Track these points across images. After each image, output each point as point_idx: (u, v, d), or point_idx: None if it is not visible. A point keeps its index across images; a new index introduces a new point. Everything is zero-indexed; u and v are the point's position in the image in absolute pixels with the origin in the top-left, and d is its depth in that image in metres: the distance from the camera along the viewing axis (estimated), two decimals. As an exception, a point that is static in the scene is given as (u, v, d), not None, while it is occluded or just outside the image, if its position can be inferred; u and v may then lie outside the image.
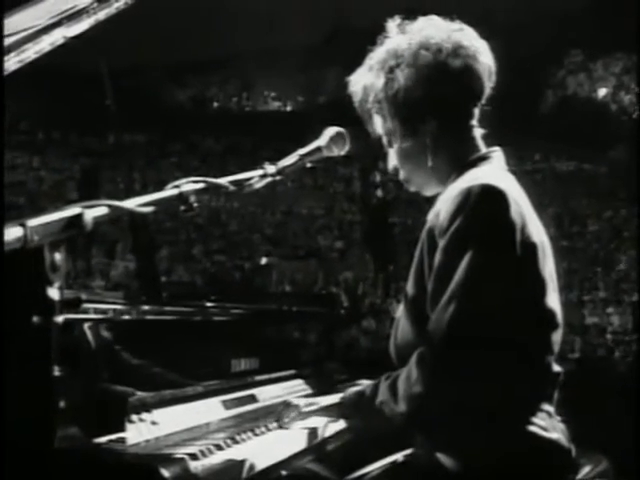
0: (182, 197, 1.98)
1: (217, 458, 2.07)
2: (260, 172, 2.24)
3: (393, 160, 2.42)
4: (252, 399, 2.92)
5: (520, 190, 2.25)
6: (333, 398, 2.44)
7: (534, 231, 2.16)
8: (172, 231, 20.02)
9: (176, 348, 2.55)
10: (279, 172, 2.29)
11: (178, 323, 2.66)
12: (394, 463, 2.30)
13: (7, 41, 2.63)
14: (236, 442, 2.27)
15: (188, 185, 2.00)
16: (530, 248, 2.12)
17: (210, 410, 2.63)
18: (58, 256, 1.80)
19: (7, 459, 1.84)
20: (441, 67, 2.27)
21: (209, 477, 1.95)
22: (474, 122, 2.38)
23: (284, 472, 2.32)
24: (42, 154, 26.26)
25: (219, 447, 2.15)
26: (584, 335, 12.79)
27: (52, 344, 1.89)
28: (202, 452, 2.04)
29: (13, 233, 1.59)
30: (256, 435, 2.41)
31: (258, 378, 3.05)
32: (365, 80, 2.38)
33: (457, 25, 2.35)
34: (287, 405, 2.55)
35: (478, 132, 2.38)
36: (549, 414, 2.17)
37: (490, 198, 2.09)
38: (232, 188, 2.13)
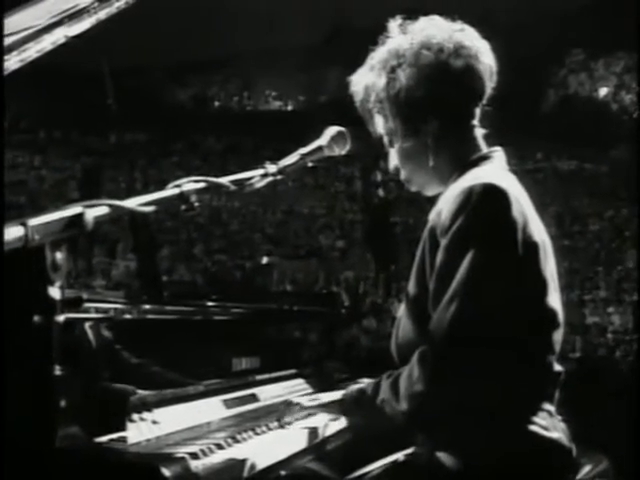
0: (183, 196, 1.98)
1: (218, 457, 2.07)
2: (261, 171, 2.24)
3: (394, 160, 2.42)
4: (253, 398, 2.92)
5: (521, 189, 2.25)
6: (334, 395, 2.44)
7: (535, 230, 2.16)
8: (173, 230, 20.03)
9: (177, 347, 2.56)
10: (280, 171, 2.28)
11: (179, 322, 2.66)
12: (395, 462, 2.30)
13: (8, 40, 2.63)
14: (237, 441, 2.27)
15: (189, 184, 2.00)
16: (531, 247, 2.12)
17: (211, 409, 2.63)
18: (59, 255, 1.80)
19: (8, 458, 1.84)
20: (443, 67, 2.27)
21: (210, 476, 1.96)
22: (475, 122, 2.38)
23: (284, 471, 2.32)
24: (43, 153, 26.30)
25: (220, 446, 2.15)
26: (585, 335, 12.78)
27: (53, 343, 1.89)
28: (203, 451, 2.04)
29: (14, 232, 1.60)
30: (257, 434, 2.41)
31: (259, 377, 3.05)
32: (366, 80, 2.38)
33: (458, 25, 2.36)
34: (288, 404, 2.55)
35: (479, 132, 2.38)
36: (550, 413, 2.17)
37: (492, 197, 2.09)
38: (233, 187, 2.13)
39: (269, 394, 3.02)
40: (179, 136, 29.62)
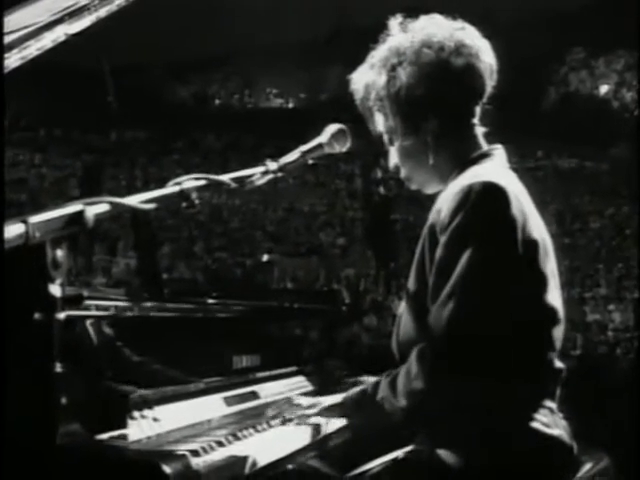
0: (184, 194, 1.98)
1: (219, 455, 2.07)
2: (262, 169, 2.24)
3: (394, 158, 2.42)
4: (253, 396, 2.92)
5: (521, 187, 2.25)
6: (335, 398, 2.44)
7: (535, 228, 2.16)
8: (174, 228, 20.03)
9: (178, 345, 2.56)
10: (280, 169, 2.28)
11: (180, 320, 2.66)
12: (395, 460, 2.30)
13: (9, 38, 2.63)
14: (237, 439, 2.27)
15: (190, 182, 2.00)
16: (531, 245, 2.12)
17: (212, 407, 2.63)
18: (60, 253, 1.80)
19: (8, 455, 1.84)
20: (443, 65, 2.27)
21: (210, 473, 1.96)
22: (475, 120, 2.38)
23: (285, 468, 2.32)
24: (44, 151, 26.28)
25: (220, 444, 2.15)
26: (585, 332, 12.79)
27: (54, 341, 1.89)
28: (204, 448, 2.04)
29: (15, 230, 1.60)
30: (257, 432, 2.41)
31: (259, 375, 3.06)
32: (367, 78, 2.38)
33: (459, 24, 2.36)
34: (290, 403, 2.55)
35: (479, 130, 2.38)
36: (551, 410, 2.18)
37: (491, 195, 2.10)
38: (234, 185, 2.13)
39: (270, 391, 3.02)
40: (180, 134, 29.60)
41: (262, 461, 2.15)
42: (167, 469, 1.83)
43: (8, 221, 1.60)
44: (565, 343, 2.29)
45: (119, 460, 1.94)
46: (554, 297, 2.19)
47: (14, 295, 1.85)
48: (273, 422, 2.51)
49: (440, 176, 2.35)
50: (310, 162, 2.39)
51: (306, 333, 3.58)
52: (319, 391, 3.01)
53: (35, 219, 1.65)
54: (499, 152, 2.36)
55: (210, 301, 2.90)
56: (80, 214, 1.73)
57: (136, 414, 2.22)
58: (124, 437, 2.11)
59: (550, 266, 2.20)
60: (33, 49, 2.70)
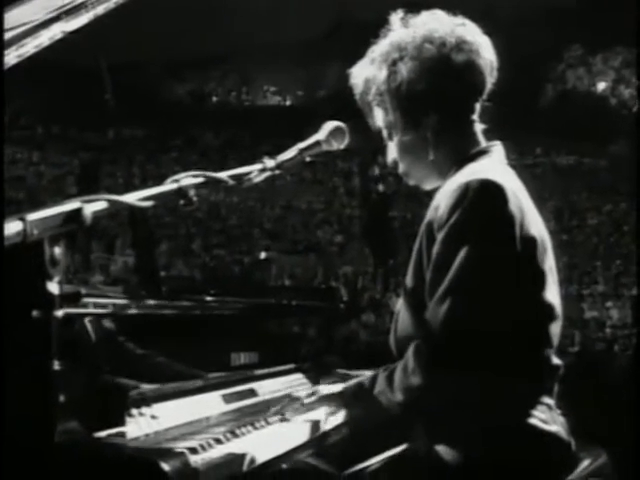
0: (181, 191, 1.98)
1: (217, 452, 2.07)
2: (259, 166, 2.23)
3: (393, 153, 2.42)
4: (252, 393, 2.92)
5: (520, 184, 2.25)
6: (334, 387, 2.45)
7: (533, 225, 2.16)
8: (171, 226, 20.05)
9: (176, 342, 2.55)
10: (278, 166, 2.28)
11: (178, 317, 2.66)
12: (394, 456, 2.30)
13: (6, 36, 2.63)
14: (236, 436, 2.27)
15: (187, 179, 1.99)
16: (529, 242, 2.12)
17: (210, 404, 2.63)
18: (58, 250, 1.80)
19: (7, 453, 1.84)
20: (444, 61, 2.27)
21: (209, 471, 1.95)
22: (475, 117, 2.38)
23: (284, 466, 2.32)
24: (41, 149, 26.28)
25: (219, 441, 2.15)
26: (583, 329, 12.81)
27: (52, 338, 1.89)
28: (202, 446, 2.04)
29: (12, 227, 1.60)
30: (256, 429, 2.41)
31: (258, 372, 3.05)
32: (367, 72, 2.38)
33: (460, 20, 2.36)
34: (291, 399, 2.55)
35: (479, 127, 2.38)
36: (549, 407, 2.18)
37: (488, 192, 2.10)
38: (231, 182, 2.12)
39: (268, 389, 3.02)
40: (177, 131, 29.62)
41: (260, 458, 2.15)
42: (165, 467, 1.83)
43: (6, 219, 1.60)
44: (563, 340, 2.29)
45: (117, 458, 1.93)
46: (552, 294, 2.19)
47: (12, 293, 1.85)
48: (271, 419, 2.51)
49: (439, 172, 2.35)
50: (308, 159, 2.39)
51: (304, 330, 3.58)
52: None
53: (33, 217, 1.65)
54: (497, 149, 2.36)
55: (208, 298, 2.89)
56: (78, 212, 1.73)
57: (134, 412, 2.22)
58: (122, 435, 2.11)
59: (548, 263, 2.20)
60: (30, 47, 2.69)
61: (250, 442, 2.24)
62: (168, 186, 1.98)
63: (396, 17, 2.38)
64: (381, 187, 24.63)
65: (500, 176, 2.15)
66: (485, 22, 2.42)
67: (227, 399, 2.73)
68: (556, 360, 2.24)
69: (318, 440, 2.50)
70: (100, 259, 15.07)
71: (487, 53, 2.33)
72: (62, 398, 1.91)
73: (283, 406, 2.54)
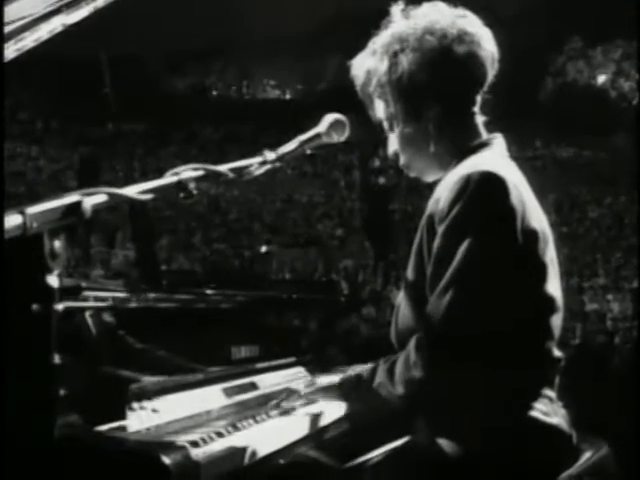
0: (181, 184, 1.97)
1: (218, 445, 2.07)
2: (259, 159, 2.23)
3: (394, 145, 2.42)
4: (252, 386, 2.92)
5: (521, 176, 2.25)
6: (333, 378, 2.45)
7: (534, 217, 2.16)
8: (172, 219, 20.03)
9: (177, 336, 2.55)
10: (278, 159, 2.27)
11: (178, 311, 2.66)
12: (395, 449, 2.30)
13: (5, 29, 2.62)
14: (237, 429, 2.27)
15: (187, 172, 1.99)
16: (530, 234, 2.12)
17: (211, 397, 2.63)
18: (58, 244, 1.79)
19: (8, 447, 1.84)
20: (446, 52, 2.27)
21: (210, 464, 1.95)
22: (476, 109, 2.37)
23: (285, 459, 2.32)
24: (41, 143, 26.24)
25: (220, 434, 2.15)
26: (584, 321, 12.82)
27: (52, 332, 1.89)
28: (203, 439, 2.04)
29: (12, 220, 1.59)
30: (257, 422, 2.41)
31: (258, 365, 3.05)
32: (368, 64, 2.37)
33: (461, 11, 2.35)
34: (290, 392, 2.55)
35: (480, 119, 2.38)
36: (550, 399, 2.18)
37: (489, 185, 2.09)
38: (231, 175, 2.12)
39: (269, 382, 3.02)
40: (177, 125, 29.56)
41: (261, 452, 2.15)
42: (166, 460, 1.83)
43: (6, 212, 1.60)
44: (564, 332, 2.29)
45: (118, 451, 1.93)
46: (553, 286, 2.19)
47: (12, 286, 1.85)
48: (272, 413, 2.51)
49: (440, 163, 2.34)
50: (308, 152, 2.38)
51: (305, 324, 3.58)
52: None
53: (33, 210, 1.64)
54: (498, 141, 2.36)
55: (208, 292, 2.89)
56: (78, 205, 1.73)
57: (135, 405, 2.22)
58: (123, 428, 2.11)
59: (549, 255, 2.20)
60: (29, 40, 2.69)
61: (251, 435, 2.24)
62: (168, 179, 1.97)
63: (397, 9, 2.38)
64: (382, 180, 24.64)
65: (501, 168, 2.14)
66: (486, 14, 2.41)
67: (228, 392, 2.73)
68: (557, 352, 2.23)
69: (319, 433, 2.50)
70: (100, 253, 15.05)
71: (488, 45, 2.33)
72: (63, 392, 1.91)
73: (282, 398, 2.54)
